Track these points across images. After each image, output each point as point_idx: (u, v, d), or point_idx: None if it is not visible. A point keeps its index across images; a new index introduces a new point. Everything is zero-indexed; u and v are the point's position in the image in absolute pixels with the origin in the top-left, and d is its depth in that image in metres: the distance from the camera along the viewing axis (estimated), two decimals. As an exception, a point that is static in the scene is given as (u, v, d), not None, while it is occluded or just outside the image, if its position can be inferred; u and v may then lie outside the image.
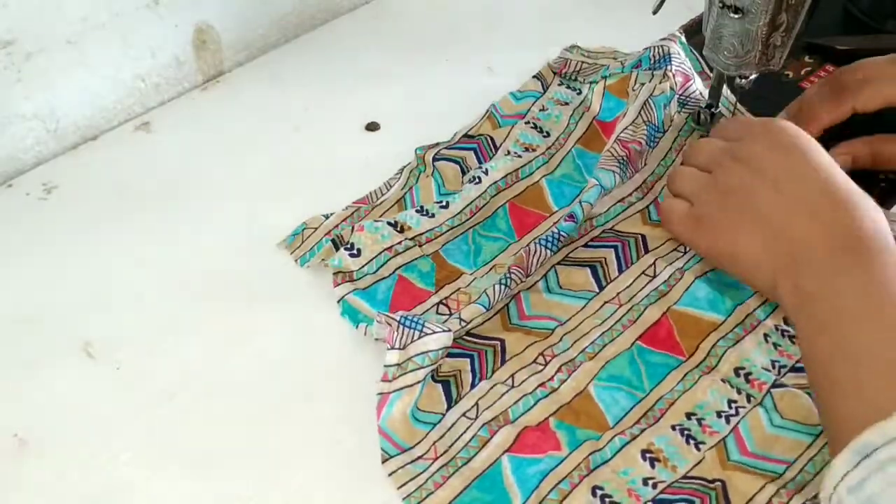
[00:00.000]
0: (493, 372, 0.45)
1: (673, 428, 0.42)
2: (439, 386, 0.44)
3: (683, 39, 0.58)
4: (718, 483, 0.40)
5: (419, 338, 0.43)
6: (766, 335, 0.46)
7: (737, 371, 0.44)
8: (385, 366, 0.43)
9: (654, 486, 0.40)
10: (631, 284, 0.49)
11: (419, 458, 0.42)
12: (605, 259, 0.50)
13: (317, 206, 0.54)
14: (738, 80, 0.52)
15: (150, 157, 0.60)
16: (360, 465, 0.41)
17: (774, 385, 0.44)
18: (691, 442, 0.42)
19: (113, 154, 0.61)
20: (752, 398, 0.43)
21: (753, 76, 0.51)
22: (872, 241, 0.39)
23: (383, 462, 0.41)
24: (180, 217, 0.55)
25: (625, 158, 0.51)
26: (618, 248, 0.50)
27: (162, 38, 0.63)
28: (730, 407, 0.43)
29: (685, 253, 0.50)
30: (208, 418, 0.43)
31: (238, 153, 0.59)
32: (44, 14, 0.56)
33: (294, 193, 0.56)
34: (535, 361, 0.45)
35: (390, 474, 0.41)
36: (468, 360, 0.45)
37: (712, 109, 0.55)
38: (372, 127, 0.61)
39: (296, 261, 0.51)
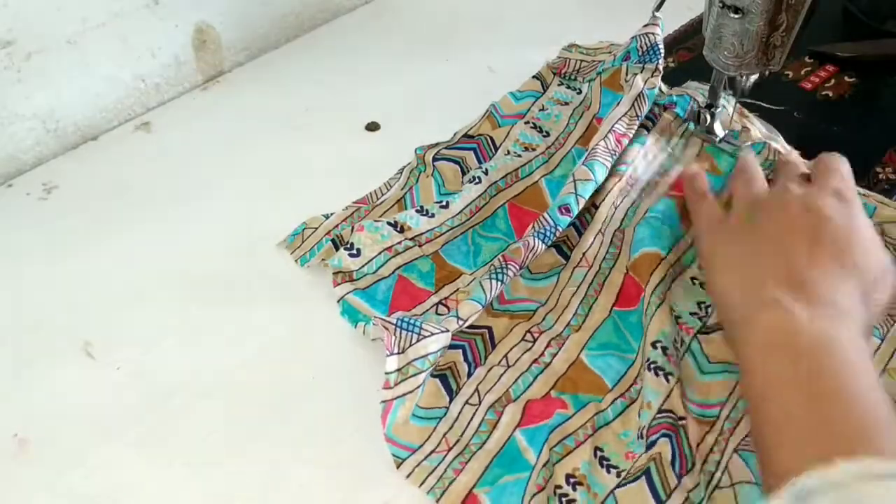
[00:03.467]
0: (486, 357, 0.46)
1: (648, 368, 0.43)
2: (437, 380, 0.45)
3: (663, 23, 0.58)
4: (683, 422, 0.42)
5: (417, 341, 0.43)
6: (692, 278, 0.48)
7: (673, 315, 0.47)
8: (386, 373, 0.42)
9: (641, 435, 0.42)
10: (592, 243, 0.50)
11: (432, 452, 0.42)
12: (567, 235, 0.51)
13: (317, 206, 0.54)
14: (738, 79, 0.52)
15: (150, 157, 0.60)
16: (361, 465, 0.41)
17: (700, 331, 0.46)
18: (660, 373, 0.43)
19: (113, 154, 0.61)
20: (682, 342, 0.45)
21: (754, 77, 0.51)
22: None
23: (398, 467, 0.41)
24: (180, 217, 0.55)
25: (616, 152, 0.52)
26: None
27: (162, 38, 0.64)
28: (680, 344, 0.46)
29: (625, 215, 0.51)
30: (208, 418, 0.43)
31: (238, 153, 0.59)
32: (44, 14, 0.56)
33: (294, 193, 0.56)
34: (523, 339, 0.47)
35: (408, 476, 0.41)
36: (460, 350, 0.46)
37: (712, 109, 0.55)
38: (372, 127, 0.61)
39: (296, 261, 0.51)
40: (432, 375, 0.45)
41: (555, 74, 0.61)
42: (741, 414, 0.42)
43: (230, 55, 0.68)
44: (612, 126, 0.52)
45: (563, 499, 0.40)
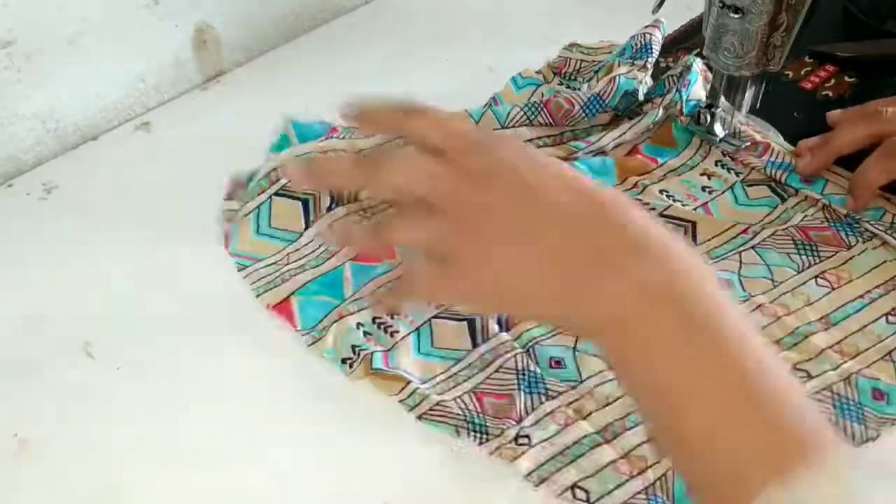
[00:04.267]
0: (347, 202, 0.51)
1: None
2: (299, 204, 0.50)
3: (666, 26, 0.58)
4: None
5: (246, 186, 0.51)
6: None
7: None
8: (223, 211, 0.51)
9: None
10: None
11: (273, 264, 0.49)
12: None
13: (317, 206, 0.54)
14: (738, 80, 0.52)
15: (150, 157, 0.60)
16: (361, 465, 0.41)
17: None
18: None
19: (113, 154, 0.61)
20: None
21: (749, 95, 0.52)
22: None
23: (239, 270, 0.49)
24: (180, 217, 0.55)
25: (541, 104, 0.53)
26: None
27: (162, 38, 0.63)
28: None
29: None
30: (208, 418, 0.43)
31: (238, 153, 0.58)
32: (44, 14, 0.56)
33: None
34: None
35: (244, 277, 0.48)
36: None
37: (712, 109, 0.55)
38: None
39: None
40: (295, 198, 0.50)
41: (555, 74, 0.61)
42: None
43: (230, 55, 0.68)
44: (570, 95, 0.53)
45: (382, 325, 0.46)
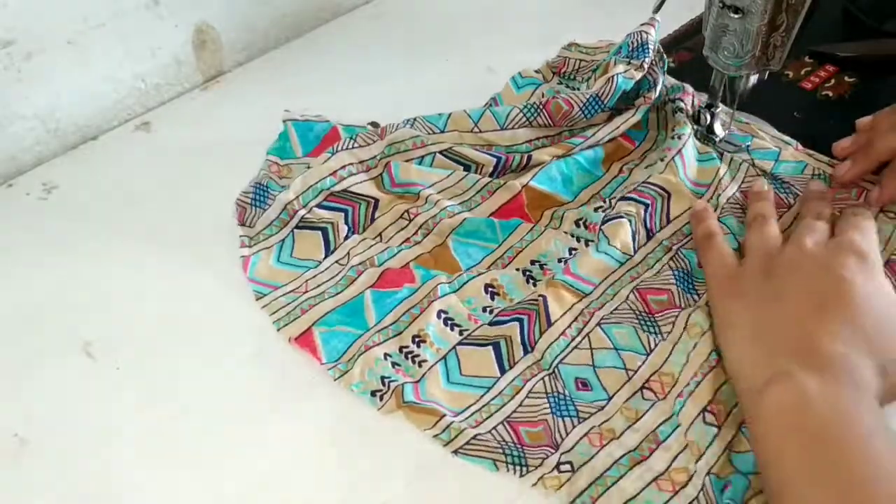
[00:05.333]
0: (365, 228, 0.52)
1: (517, 270, 0.49)
2: (318, 234, 0.51)
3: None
4: (541, 298, 0.46)
5: (263, 213, 0.51)
6: (603, 199, 0.52)
7: (577, 222, 0.51)
8: (240, 236, 0.51)
9: (491, 311, 0.47)
10: (498, 162, 0.53)
11: (291, 292, 0.49)
12: (484, 164, 0.53)
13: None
14: (738, 80, 0.52)
15: (150, 157, 0.60)
16: (360, 465, 0.41)
17: (604, 221, 0.49)
18: (530, 281, 0.48)
19: (113, 154, 0.61)
20: (589, 242, 0.50)
21: (753, 79, 0.51)
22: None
23: (257, 300, 0.48)
24: (180, 217, 0.55)
25: (540, 105, 0.54)
26: (501, 159, 0.53)
27: (162, 38, 0.64)
28: (570, 254, 0.50)
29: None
30: (208, 418, 0.43)
31: (238, 153, 0.58)
32: (44, 14, 0.56)
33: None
34: (401, 217, 0.52)
35: (263, 307, 0.48)
36: (343, 213, 0.52)
37: (712, 109, 0.55)
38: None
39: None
40: (315, 228, 0.51)
41: (554, 73, 0.62)
42: (609, 299, 0.47)
43: (230, 55, 0.68)
44: (569, 95, 0.54)
45: (409, 355, 0.45)
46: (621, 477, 0.40)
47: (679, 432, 0.41)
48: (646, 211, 0.50)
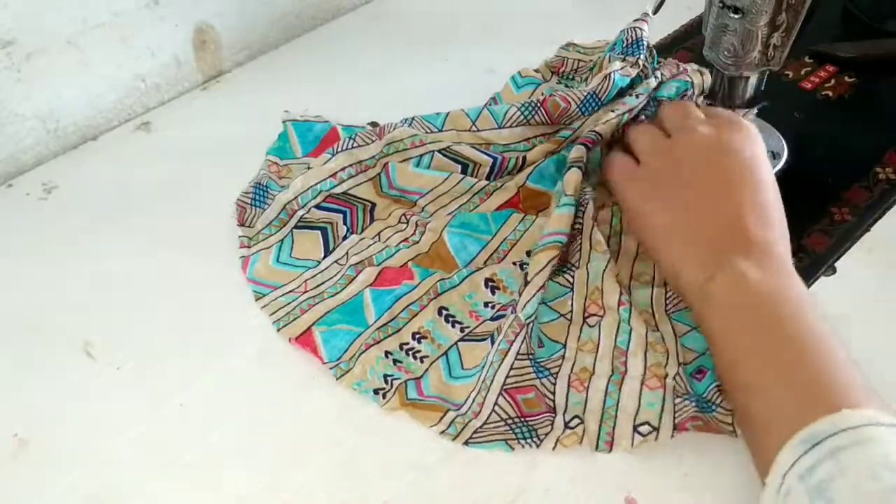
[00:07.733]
0: (364, 229, 0.52)
1: (514, 263, 0.49)
2: (318, 233, 0.51)
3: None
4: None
5: (262, 214, 0.52)
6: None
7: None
8: (239, 237, 0.52)
9: (493, 307, 0.47)
10: (494, 163, 0.53)
11: (290, 292, 0.49)
12: (478, 159, 0.53)
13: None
14: (738, 81, 0.52)
15: (150, 157, 0.60)
16: (361, 465, 0.41)
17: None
18: (526, 269, 0.47)
19: (113, 154, 0.61)
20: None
21: (753, 81, 0.51)
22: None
23: (256, 300, 0.48)
24: (180, 217, 0.55)
25: (538, 103, 0.53)
26: (497, 160, 0.53)
27: (162, 38, 0.64)
28: None
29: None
30: (208, 418, 0.43)
31: (238, 153, 0.59)
32: (44, 14, 0.56)
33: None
34: (399, 221, 0.52)
35: (262, 308, 0.48)
36: (342, 215, 0.52)
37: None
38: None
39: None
40: (314, 227, 0.51)
41: (553, 73, 0.62)
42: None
43: (230, 55, 0.68)
44: (566, 93, 0.54)
45: (410, 352, 0.45)
46: (618, 402, 0.42)
47: (635, 335, 0.43)
48: (588, 152, 0.51)
